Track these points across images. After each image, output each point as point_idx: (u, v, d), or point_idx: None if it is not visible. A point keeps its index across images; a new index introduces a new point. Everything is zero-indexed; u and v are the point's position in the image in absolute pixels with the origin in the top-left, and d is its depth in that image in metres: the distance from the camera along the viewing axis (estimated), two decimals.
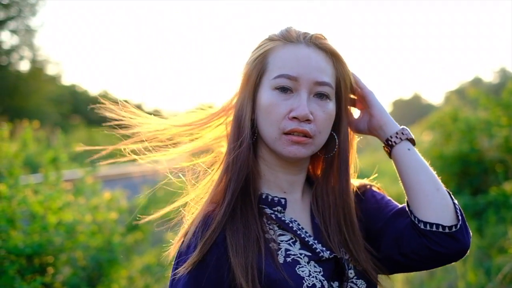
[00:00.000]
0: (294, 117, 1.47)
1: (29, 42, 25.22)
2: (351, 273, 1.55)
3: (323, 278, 1.49)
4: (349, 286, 1.53)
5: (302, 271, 1.48)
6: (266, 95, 1.51)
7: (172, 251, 1.58)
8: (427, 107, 41.22)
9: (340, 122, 1.61)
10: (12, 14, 24.00)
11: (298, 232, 1.55)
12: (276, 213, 1.56)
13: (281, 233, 1.54)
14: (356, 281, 1.55)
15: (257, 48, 1.58)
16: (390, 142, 1.60)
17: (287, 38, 1.53)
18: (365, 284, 1.55)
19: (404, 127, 1.63)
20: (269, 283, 1.44)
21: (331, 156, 1.62)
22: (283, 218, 1.55)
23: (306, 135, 1.48)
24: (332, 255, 1.53)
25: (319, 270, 1.50)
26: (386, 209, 1.65)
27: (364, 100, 1.66)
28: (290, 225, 1.55)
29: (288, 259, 1.49)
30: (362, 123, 1.67)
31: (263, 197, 1.57)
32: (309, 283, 1.46)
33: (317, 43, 1.53)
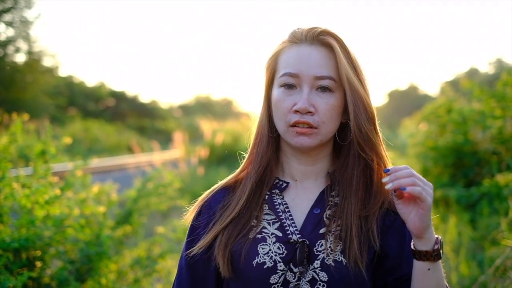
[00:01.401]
0: (297, 111, 1.62)
1: (25, 34, 25.10)
2: (317, 264, 1.60)
3: (280, 260, 1.61)
4: (310, 275, 1.60)
5: (262, 249, 1.63)
6: (275, 93, 1.69)
7: (187, 218, 1.80)
8: (424, 98, 41.11)
9: (348, 111, 1.67)
10: (7, 6, 23.86)
11: (280, 213, 1.69)
12: (273, 194, 1.73)
13: (268, 212, 1.71)
14: (319, 273, 1.59)
15: (271, 52, 1.75)
16: (416, 256, 1.57)
17: (292, 39, 1.69)
18: (327, 278, 1.59)
19: (438, 245, 1.56)
20: (230, 252, 1.65)
21: (348, 144, 1.71)
22: (274, 199, 1.72)
23: (310, 125, 1.63)
24: (301, 240, 1.62)
25: (281, 252, 1.62)
26: (407, 263, 1.64)
27: (416, 208, 1.54)
28: (276, 206, 1.71)
29: (259, 236, 1.66)
30: (404, 212, 1.57)
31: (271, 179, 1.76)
32: (259, 260, 1.62)
33: (319, 39, 1.66)
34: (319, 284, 1.59)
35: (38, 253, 3.11)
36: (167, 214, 7.79)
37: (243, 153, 1.87)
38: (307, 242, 1.62)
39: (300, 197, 1.73)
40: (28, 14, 30.10)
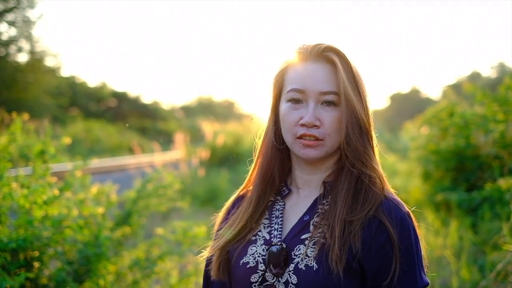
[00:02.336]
0: (303, 124, 1.72)
1: (27, 34, 25.11)
2: (291, 267, 1.69)
3: (262, 261, 1.74)
4: (286, 277, 1.69)
5: (250, 250, 1.77)
6: (283, 107, 1.78)
7: (217, 222, 1.96)
8: (426, 101, 41.06)
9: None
10: (10, 5, 23.87)
11: (273, 218, 1.82)
12: (276, 200, 1.86)
13: (267, 217, 1.84)
14: (291, 275, 1.68)
15: (278, 68, 1.85)
16: None
17: (298, 56, 1.78)
18: (296, 281, 1.67)
19: None
20: (226, 252, 1.81)
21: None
22: (274, 205, 1.85)
23: (316, 138, 1.72)
24: (279, 244, 1.72)
25: (264, 253, 1.74)
26: None
27: None
28: (273, 212, 1.84)
29: (253, 238, 1.80)
30: None
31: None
32: (245, 260, 1.76)
33: (324, 56, 1.74)
34: (290, 286, 1.67)
35: (36, 253, 3.09)
36: (166, 216, 7.78)
37: (248, 161, 1.98)
38: (284, 246, 1.72)
39: (299, 204, 1.82)
40: (31, 14, 30.14)
